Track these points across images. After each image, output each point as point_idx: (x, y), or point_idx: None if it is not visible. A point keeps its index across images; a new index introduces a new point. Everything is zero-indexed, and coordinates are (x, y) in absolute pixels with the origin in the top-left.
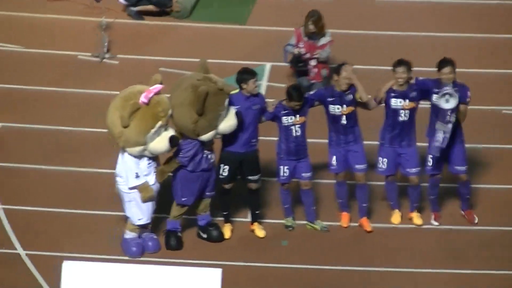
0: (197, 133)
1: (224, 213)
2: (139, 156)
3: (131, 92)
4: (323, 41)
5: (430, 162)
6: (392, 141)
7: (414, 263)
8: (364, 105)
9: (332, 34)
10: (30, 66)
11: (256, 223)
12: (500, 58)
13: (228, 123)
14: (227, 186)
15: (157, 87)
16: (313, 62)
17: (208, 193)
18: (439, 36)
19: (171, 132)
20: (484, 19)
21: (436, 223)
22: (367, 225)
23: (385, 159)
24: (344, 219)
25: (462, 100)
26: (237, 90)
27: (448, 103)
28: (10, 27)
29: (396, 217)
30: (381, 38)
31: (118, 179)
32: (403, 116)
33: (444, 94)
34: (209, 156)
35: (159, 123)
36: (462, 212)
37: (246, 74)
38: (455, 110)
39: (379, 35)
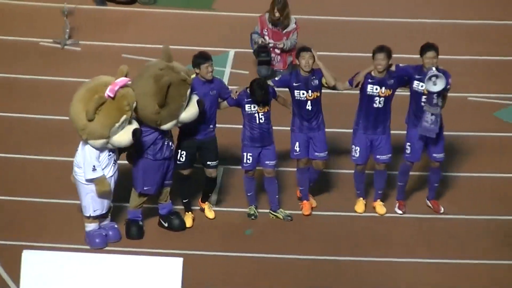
0: (159, 123)
1: (184, 201)
2: (101, 149)
3: (97, 84)
4: (288, 28)
5: (408, 150)
6: (366, 128)
7: (383, 253)
8: (333, 87)
9: (298, 20)
10: None
11: (207, 203)
12: (472, 44)
13: (189, 111)
14: (185, 172)
15: (123, 79)
16: (277, 50)
17: (167, 182)
18: (413, 22)
19: (134, 125)
20: (462, 4)
21: (400, 212)
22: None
23: (357, 148)
24: (306, 208)
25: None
26: (193, 75)
27: (436, 86)
28: None
29: (360, 206)
30: (349, 24)
31: (76, 169)
32: (377, 103)
33: (431, 77)
34: (170, 144)
35: (124, 116)
36: (428, 201)
37: (199, 59)
38: (441, 93)
39: (348, 20)
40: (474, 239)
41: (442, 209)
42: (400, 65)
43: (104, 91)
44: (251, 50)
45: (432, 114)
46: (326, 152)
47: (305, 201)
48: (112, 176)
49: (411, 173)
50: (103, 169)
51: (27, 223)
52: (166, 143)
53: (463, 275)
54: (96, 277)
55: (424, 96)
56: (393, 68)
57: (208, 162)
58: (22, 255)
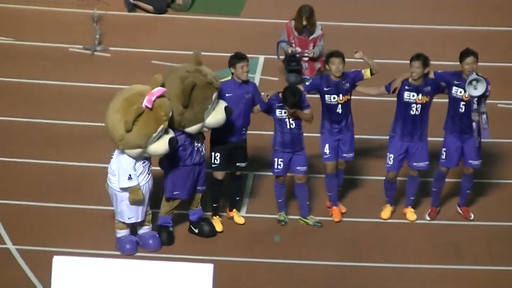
0: (183, 125)
1: (214, 205)
2: (137, 158)
3: (133, 94)
4: (314, 35)
5: (444, 155)
6: (403, 135)
7: (409, 259)
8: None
9: (324, 26)
10: (21, 58)
11: (235, 210)
12: (498, 51)
13: (215, 117)
14: (219, 176)
15: (160, 89)
16: (305, 58)
17: (200, 188)
18: (437, 28)
19: (170, 134)
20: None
21: (428, 218)
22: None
23: (392, 155)
24: (336, 213)
25: (485, 94)
26: (229, 77)
27: (476, 90)
28: (0, 19)
29: (386, 212)
30: (372, 30)
31: (110, 177)
32: (414, 110)
33: (471, 81)
34: (200, 149)
35: (161, 126)
36: (458, 208)
37: (234, 58)
38: (483, 97)
39: (372, 27)
40: (498, 245)
41: (472, 215)
42: (439, 71)
43: (141, 101)
44: (281, 57)
45: (481, 113)
46: (353, 153)
47: (334, 207)
48: (146, 183)
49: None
50: (138, 175)
51: (56, 229)
52: (196, 148)
53: (494, 282)
54: (126, 283)
55: (463, 103)
56: (431, 75)
57: (237, 164)
58: (53, 261)
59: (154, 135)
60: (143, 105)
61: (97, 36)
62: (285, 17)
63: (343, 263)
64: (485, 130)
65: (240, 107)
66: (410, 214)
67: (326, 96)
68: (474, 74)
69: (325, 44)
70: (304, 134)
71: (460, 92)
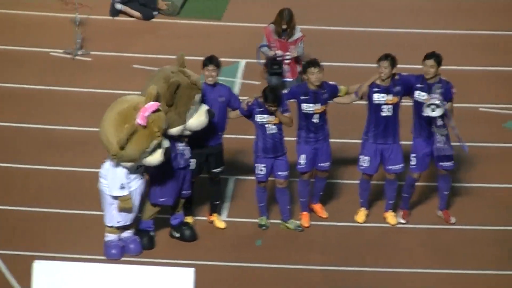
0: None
1: (186, 205)
2: (130, 169)
3: (127, 108)
4: (294, 37)
5: (413, 161)
6: (376, 138)
7: (393, 263)
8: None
9: (305, 30)
10: (1, 62)
11: (215, 214)
12: (482, 55)
13: (198, 118)
14: (193, 179)
15: (153, 105)
16: (287, 60)
17: (185, 192)
18: (419, 32)
19: (165, 144)
20: (476, 16)
21: (403, 221)
22: (321, 211)
23: (366, 157)
24: (305, 219)
25: (448, 97)
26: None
27: (434, 112)
28: None
29: (361, 216)
30: (354, 34)
31: (102, 180)
32: (386, 111)
33: (429, 105)
34: (185, 152)
35: (155, 142)
36: (440, 211)
37: (204, 60)
38: (444, 115)
39: (353, 31)
40: (482, 249)
41: (453, 219)
42: (404, 74)
43: (135, 116)
44: (261, 65)
45: (441, 135)
46: (329, 163)
47: (305, 212)
48: (137, 187)
49: (421, 183)
50: (131, 181)
51: (37, 233)
52: (180, 152)
53: (472, 286)
54: (107, 287)
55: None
56: (397, 77)
57: (213, 170)
58: (33, 266)
59: (148, 150)
60: (136, 122)
61: (78, 40)
62: (266, 21)
63: (326, 267)
64: (445, 148)
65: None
66: (391, 217)
67: (304, 104)
68: (436, 97)
69: (307, 48)
70: (286, 139)
71: (423, 96)
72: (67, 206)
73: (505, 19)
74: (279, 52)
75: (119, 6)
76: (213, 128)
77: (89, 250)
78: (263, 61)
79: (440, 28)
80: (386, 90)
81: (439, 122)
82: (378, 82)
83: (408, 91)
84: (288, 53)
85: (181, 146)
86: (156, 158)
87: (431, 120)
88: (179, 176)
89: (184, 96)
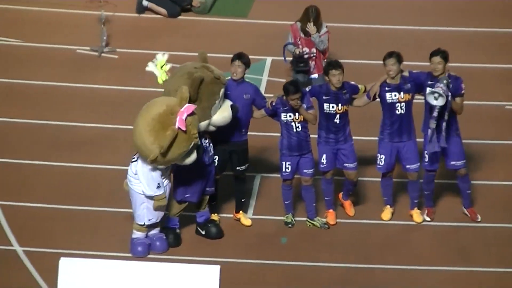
0: None
1: (212, 203)
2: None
3: (164, 112)
4: (320, 33)
5: (426, 158)
6: (392, 136)
7: (415, 261)
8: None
9: (332, 27)
10: (29, 60)
11: (241, 212)
12: (504, 53)
13: (222, 114)
14: (216, 177)
15: (189, 107)
16: (312, 56)
17: (208, 189)
18: (441, 30)
19: (197, 144)
20: (491, 14)
21: (428, 219)
22: (349, 208)
23: (382, 156)
24: (331, 217)
25: (458, 93)
26: (229, 77)
27: (437, 101)
28: (8, 20)
29: (386, 214)
30: (381, 32)
31: (132, 179)
32: (399, 110)
33: (434, 92)
34: (208, 149)
35: (193, 143)
36: (464, 209)
37: (234, 56)
38: (446, 107)
39: (380, 28)
40: (504, 247)
41: (479, 217)
42: (414, 71)
43: (172, 120)
44: (289, 58)
45: (435, 130)
46: (356, 163)
47: (330, 210)
48: (167, 185)
49: (445, 181)
50: (164, 185)
51: (62, 231)
52: (204, 148)
53: (495, 284)
54: (133, 284)
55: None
56: (406, 73)
57: (237, 168)
58: (59, 263)
59: (186, 151)
60: (176, 127)
61: (104, 37)
62: (292, 18)
63: (351, 264)
64: (432, 142)
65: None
66: (417, 215)
67: (325, 104)
68: (441, 86)
69: (332, 45)
70: (312, 136)
71: None
72: (91, 204)
73: None
74: (305, 50)
75: (145, 3)
76: (237, 124)
77: (115, 248)
78: (289, 58)
79: (468, 26)
80: (397, 88)
81: (435, 113)
82: (388, 81)
83: (419, 89)
84: (313, 50)
85: (205, 142)
86: (192, 158)
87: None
88: (203, 172)
89: (208, 91)
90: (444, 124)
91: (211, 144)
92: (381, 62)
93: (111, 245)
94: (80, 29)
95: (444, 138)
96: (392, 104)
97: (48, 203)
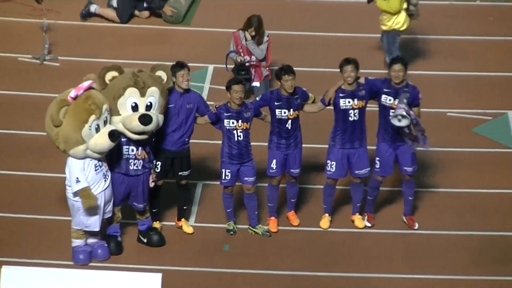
0: None
1: (154, 210)
2: (84, 158)
3: (63, 94)
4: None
5: (377, 165)
6: (344, 143)
7: (363, 268)
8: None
9: (274, 35)
10: None
11: (183, 219)
12: (448, 60)
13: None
14: (158, 183)
15: (87, 82)
16: (253, 63)
17: (136, 205)
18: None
19: (111, 127)
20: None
21: (369, 224)
22: (293, 219)
23: (333, 162)
24: (273, 224)
25: (415, 102)
26: (172, 85)
27: (400, 122)
28: None
29: (325, 222)
30: (327, 39)
31: (67, 186)
32: (352, 116)
33: (396, 115)
34: (136, 162)
35: (92, 116)
36: (404, 217)
37: (175, 67)
38: (414, 123)
39: (326, 36)
40: (451, 254)
41: (417, 225)
42: (370, 78)
43: (68, 98)
44: (229, 72)
45: (409, 139)
46: (299, 169)
47: (272, 218)
48: (102, 192)
49: (389, 188)
50: (91, 185)
51: (4, 238)
52: (126, 157)
53: None
54: None
55: (392, 110)
56: (362, 80)
57: (180, 173)
58: (1, 271)
59: (87, 125)
60: (68, 97)
61: (46, 45)
62: (235, 26)
63: (293, 272)
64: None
65: (181, 117)
66: (359, 221)
67: (277, 110)
68: (402, 108)
69: (275, 53)
70: (253, 144)
71: (390, 100)
72: (34, 211)
73: (474, 24)
74: (246, 58)
75: (93, 8)
76: (178, 134)
77: (57, 256)
78: (231, 66)
79: (417, 33)
80: (352, 95)
81: (406, 129)
82: (343, 87)
83: (374, 95)
84: (253, 58)
85: (129, 152)
86: (102, 140)
87: (397, 127)
88: (121, 182)
89: (115, 84)
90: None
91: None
92: (328, 69)
93: (54, 253)
94: (22, 37)
95: (423, 138)
96: (346, 111)
97: None
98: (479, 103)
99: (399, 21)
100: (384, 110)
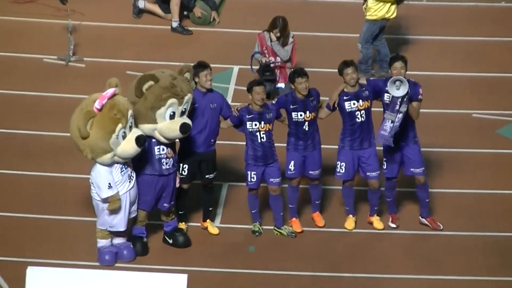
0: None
1: (180, 212)
2: (111, 164)
3: (87, 101)
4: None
5: (385, 165)
6: (353, 145)
7: (383, 269)
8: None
9: (299, 36)
10: None
11: (208, 220)
12: (472, 62)
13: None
14: (184, 186)
15: (110, 91)
16: (277, 64)
17: (166, 205)
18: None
19: (137, 132)
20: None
21: (393, 225)
22: (319, 220)
23: (343, 164)
24: (296, 225)
25: (415, 97)
26: (194, 87)
27: (399, 90)
28: None
29: (350, 223)
30: (348, 40)
31: (92, 188)
32: (359, 117)
33: (395, 81)
34: (167, 161)
35: (119, 125)
36: (423, 219)
37: (197, 67)
38: (405, 101)
39: (347, 37)
40: (474, 255)
41: (441, 225)
42: (371, 79)
43: (93, 106)
44: (254, 73)
45: (391, 122)
46: (319, 170)
47: (294, 218)
48: (126, 192)
49: (406, 189)
50: (117, 186)
51: (31, 239)
52: (158, 158)
53: None
54: None
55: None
56: (363, 81)
57: (206, 176)
58: (27, 272)
59: (114, 135)
60: (94, 108)
61: (71, 46)
62: (260, 27)
63: (319, 273)
64: (388, 138)
65: (205, 117)
66: (377, 222)
67: (293, 113)
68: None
69: (300, 54)
70: (277, 145)
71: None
72: (59, 213)
73: (494, 26)
74: (271, 59)
75: (142, 4)
76: (204, 135)
77: (83, 257)
78: (256, 67)
79: (435, 34)
80: (355, 96)
81: (397, 106)
82: (346, 89)
83: (377, 95)
84: (279, 59)
85: (161, 152)
86: (129, 146)
87: (387, 105)
88: (156, 183)
89: (157, 93)
90: (400, 116)
91: (173, 157)
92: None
93: (79, 254)
94: (47, 38)
95: (396, 130)
96: (352, 113)
97: (15, 212)
98: (505, 105)
99: (391, 9)
100: (387, 109)
